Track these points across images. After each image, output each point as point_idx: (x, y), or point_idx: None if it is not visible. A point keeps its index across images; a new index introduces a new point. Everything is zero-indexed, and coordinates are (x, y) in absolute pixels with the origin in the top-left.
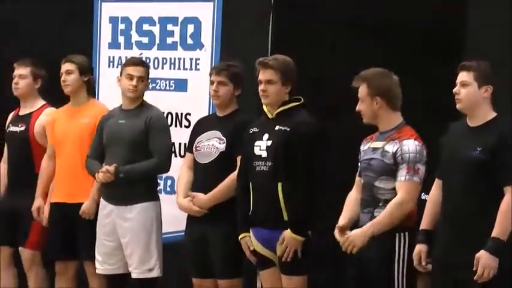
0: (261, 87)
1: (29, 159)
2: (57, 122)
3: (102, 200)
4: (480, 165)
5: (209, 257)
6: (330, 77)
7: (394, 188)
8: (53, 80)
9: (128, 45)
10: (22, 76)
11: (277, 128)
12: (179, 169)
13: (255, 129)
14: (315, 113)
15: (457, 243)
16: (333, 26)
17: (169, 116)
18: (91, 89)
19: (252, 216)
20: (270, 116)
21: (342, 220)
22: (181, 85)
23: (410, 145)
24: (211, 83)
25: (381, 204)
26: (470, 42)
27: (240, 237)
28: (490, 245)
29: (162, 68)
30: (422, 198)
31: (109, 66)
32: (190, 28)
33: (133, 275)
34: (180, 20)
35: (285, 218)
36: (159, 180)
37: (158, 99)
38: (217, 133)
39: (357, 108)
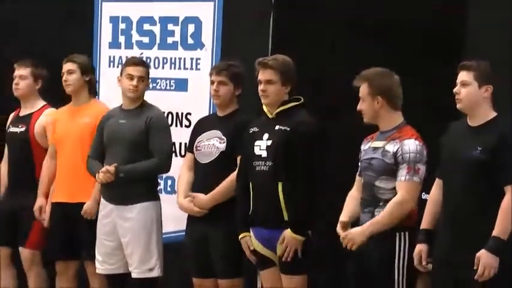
0: (260, 87)
1: (29, 160)
2: (58, 122)
3: (102, 199)
4: (480, 165)
5: (210, 256)
6: (330, 77)
7: (394, 188)
8: (54, 80)
9: (129, 45)
10: (22, 77)
11: (277, 127)
12: (179, 169)
13: (255, 129)
14: (315, 113)
15: (457, 243)
16: (333, 26)
17: (170, 115)
18: (92, 89)
19: (252, 216)
20: (269, 115)
21: (343, 217)
22: (181, 85)
23: (411, 145)
24: (212, 82)
25: (381, 204)
26: (470, 42)
27: (240, 237)
28: (491, 244)
29: (163, 67)
30: (423, 197)
31: (109, 66)
32: (191, 28)
33: (134, 275)
34: (180, 20)
35: (285, 217)
36: (159, 180)
37: (159, 99)
38: (218, 133)
39: (358, 107)
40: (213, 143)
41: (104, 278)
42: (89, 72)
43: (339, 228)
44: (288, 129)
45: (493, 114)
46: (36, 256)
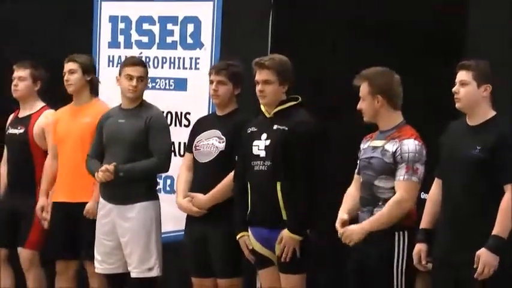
0: (258, 87)
1: (28, 161)
2: (59, 122)
3: (101, 199)
4: (480, 164)
5: (209, 256)
6: (330, 77)
7: (393, 187)
8: (53, 80)
9: (128, 45)
10: (21, 78)
11: (275, 127)
12: (179, 168)
13: (253, 129)
14: (315, 113)
15: (457, 242)
16: (333, 26)
17: (169, 115)
18: (94, 89)
19: (250, 215)
20: (267, 115)
21: (342, 213)
22: (181, 84)
23: (410, 145)
24: (211, 82)
25: (380, 203)
26: (470, 42)
27: (238, 237)
28: (491, 242)
29: (162, 67)
30: (422, 197)
31: (109, 65)
32: (190, 27)
33: (133, 275)
34: (179, 20)
35: (284, 217)
36: (158, 180)
37: (158, 99)
38: (217, 132)
39: (358, 106)
40: (212, 143)
41: (103, 278)
42: (91, 72)
43: (337, 224)
44: (287, 128)
45: (492, 113)
46: (35, 257)
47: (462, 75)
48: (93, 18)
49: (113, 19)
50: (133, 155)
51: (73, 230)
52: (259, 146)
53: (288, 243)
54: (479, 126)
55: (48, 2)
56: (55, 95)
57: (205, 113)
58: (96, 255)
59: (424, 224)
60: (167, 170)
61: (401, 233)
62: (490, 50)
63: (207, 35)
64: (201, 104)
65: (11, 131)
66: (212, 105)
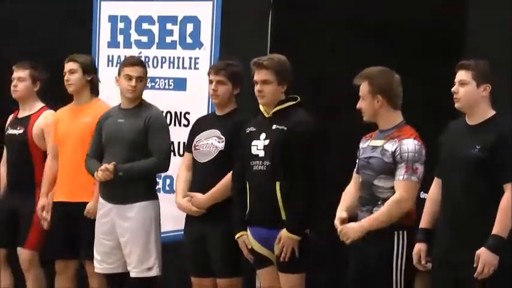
0: (257, 87)
1: (27, 162)
2: (60, 121)
3: (100, 198)
4: (479, 163)
5: (208, 256)
6: (330, 77)
7: (393, 187)
8: (53, 80)
9: (127, 44)
10: (21, 79)
11: (274, 127)
12: (178, 168)
13: (252, 129)
14: (315, 113)
15: (456, 242)
16: (332, 26)
17: (169, 115)
18: (94, 88)
19: (249, 215)
20: (266, 115)
21: (341, 211)
22: (180, 84)
23: (410, 144)
24: (210, 82)
25: (379, 203)
26: (470, 42)
27: (236, 237)
28: (491, 242)
29: (161, 67)
30: (422, 197)
31: (108, 65)
32: (190, 27)
33: (132, 274)
34: (179, 19)
35: (283, 217)
36: (158, 179)
37: (157, 98)
38: (217, 132)
39: (358, 106)
40: (212, 142)
41: (103, 278)
42: (91, 71)
43: (336, 222)
44: (285, 128)
45: (492, 112)
46: (35, 257)
47: (461, 75)
48: (92, 18)
49: (113, 19)
50: (133, 154)
51: (73, 230)
52: (258, 146)
53: (286, 243)
54: (478, 126)
55: (48, 2)
56: (55, 95)
57: (205, 113)
58: (96, 255)
59: (423, 223)
60: (166, 170)
61: (400, 232)
62: (489, 49)
63: (206, 35)
64: (200, 103)
65: (11, 131)
66: (211, 105)
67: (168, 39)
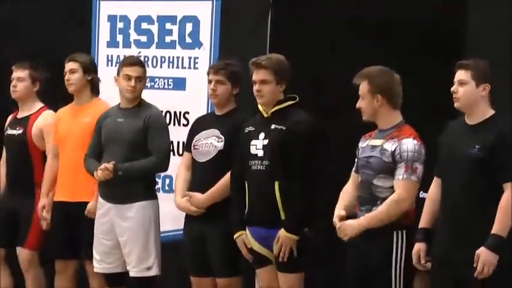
0: (255, 87)
1: (27, 162)
2: (60, 121)
3: (99, 198)
4: (478, 163)
5: (208, 255)
6: (330, 77)
7: (392, 187)
8: (53, 80)
9: (127, 44)
10: (20, 79)
11: (273, 126)
12: (177, 168)
13: (251, 128)
14: (315, 112)
15: (456, 241)
16: (332, 25)
17: (168, 114)
18: (95, 88)
19: (248, 215)
20: (265, 114)
21: (339, 209)
22: (179, 84)
23: (409, 144)
24: (209, 82)
25: (378, 203)
26: (470, 42)
27: (235, 236)
28: (490, 241)
29: (161, 66)
30: (421, 196)
31: (107, 65)
32: (189, 27)
33: (132, 274)
34: (178, 19)
35: (282, 216)
36: (157, 179)
37: (157, 98)
38: (216, 131)
39: (357, 105)
40: (211, 142)
41: (102, 277)
42: (91, 71)
43: (335, 219)
44: (284, 128)
45: (491, 112)
46: (34, 257)
47: (461, 75)
48: (91, 18)
49: (112, 18)
50: (132, 154)
51: (73, 230)
52: (257, 146)
53: (284, 243)
54: (478, 125)
55: (47, 2)
56: (55, 95)
57: (204, 113)
58: (95, 255)
59: (423, 223)
60: (166, 170)
61: (399, 232)
62: (489, 49)
63: (205, 35)
64: (199, 103)
65: (10, 131)
66: (211, 104)
67: (168, 39)
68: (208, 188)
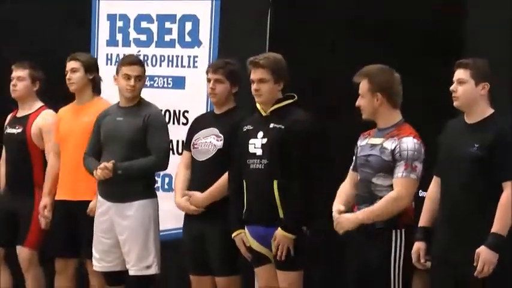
0: (253, 86)
1: (26, 161)
2: (62, 120)
3: (99, 197)
4: (478, 161)
5: (207, 254)
6: (330, 77)
7: (391, 185)
8: (53, 79)
9: (126, 43)
10: (20, 78)
11: (271, 125)
12: (177, 167)
13: (249, 127)
14: (315, 112)
15: (455, 240)
16: (332, 25)
17: (167, 113)
18: (96, 87)
19: (246, 214)
20: (263, 113)
21: (338, 205)
22: (179, 82)
23: (409, 142)
24: (208, 80)
25: (377, 201)
26: (470, 42)
27: (234, 235)
28: (490, 240)
29: (160, 65)
30: (420, 195)
31: (107, 63)
32: (188, 26)
33: (131, 272)
34: (178, 18)
35: (281, 215)
36: (156, 178)
37: (156, 97)
38: (215, 130)
39: (357, 103)
40: (210, 141)
41: (102, 276)
42: (93, 70)
43: (334, 213)
44: (283, 127)
45: (490, 111)
46: (34, 256)
47: (460, 74)
48: (91, 17)
49: (111, 17)
50: (131, 153)
51: (73, 228)
52: (256, 145)
53: (282, 242)
54: (477, 124)
55: (47, 2)
56: (55, 95)
57: (203, 111)
58: (95, 253)
59: (422, 222)
60: (165, 169)
61: (398, 230)
62: (489, 49)
63: (205, 33)
64: (199, 102)
65: (9, 130)
66: (210, 103)
67: (167, 38)
68: (207, 187)
